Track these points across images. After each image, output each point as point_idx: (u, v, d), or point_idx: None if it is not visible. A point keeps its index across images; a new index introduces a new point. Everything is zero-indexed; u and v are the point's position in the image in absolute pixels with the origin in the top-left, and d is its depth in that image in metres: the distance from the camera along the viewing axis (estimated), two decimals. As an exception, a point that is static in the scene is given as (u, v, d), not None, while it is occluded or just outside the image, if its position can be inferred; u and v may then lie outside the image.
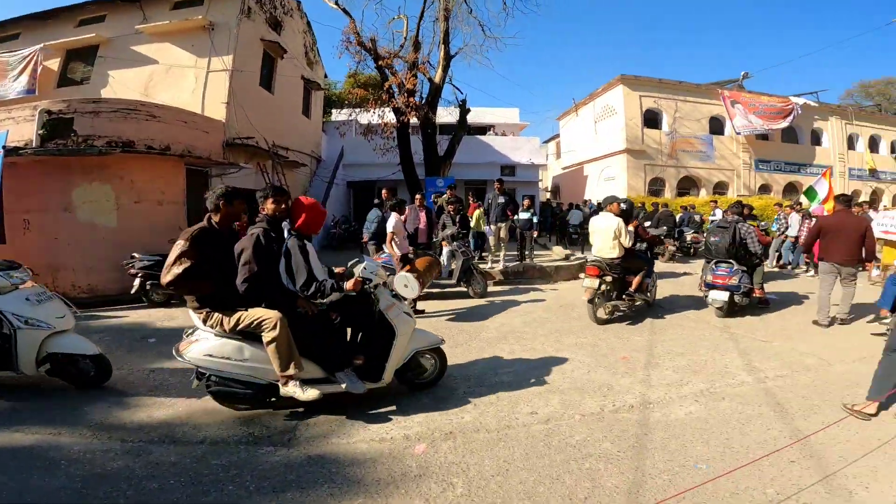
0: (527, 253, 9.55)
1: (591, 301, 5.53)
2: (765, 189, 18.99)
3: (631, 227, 5.66)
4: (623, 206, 5.72)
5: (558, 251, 11.07)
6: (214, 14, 10.69)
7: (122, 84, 10.57)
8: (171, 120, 8.14)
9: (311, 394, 2.95)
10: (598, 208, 7.82)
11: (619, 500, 2.23)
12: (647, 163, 17.61)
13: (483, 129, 22.07)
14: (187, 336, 3.13)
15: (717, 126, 19.02)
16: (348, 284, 3.23)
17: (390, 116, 12.42)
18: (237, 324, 2.92)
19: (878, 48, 63.52)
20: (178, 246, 2.84)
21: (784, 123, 18.30)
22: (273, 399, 3.08)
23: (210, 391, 3.03)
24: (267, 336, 2.87)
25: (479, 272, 7.26)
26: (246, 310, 2.93)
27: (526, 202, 9.59)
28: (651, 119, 18.21)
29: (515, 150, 18.44)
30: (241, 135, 10.29)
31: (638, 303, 5.93)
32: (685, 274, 9.36)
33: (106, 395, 3.60)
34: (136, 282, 6.57)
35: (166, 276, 2.82)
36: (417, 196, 8.02)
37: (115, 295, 6.97)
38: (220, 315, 2.94)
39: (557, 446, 2.73)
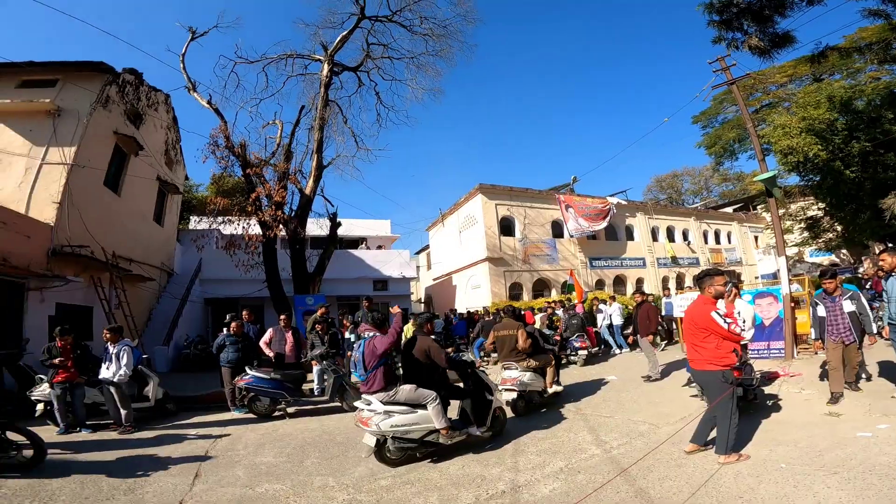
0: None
1: None
2: (600, 284, 22.20)
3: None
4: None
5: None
6: (66, 99, 9.76)
7: None
8: (-19, 220, 6.90)
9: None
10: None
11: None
12: (506, 269, 19.48)
13: (355, 243, 22.58)
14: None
15: (558, 229, 21.63)
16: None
17: (256, 229, 11.74)
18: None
19: (666, 142, 79.42)
20: None
21: (604, 224, 21.51)
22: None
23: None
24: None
25: (351, 387, 6.93)
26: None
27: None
28: (506, 226, 20.15)
29: (387, 264, 19.06)
30: (72, 241, 8.98)
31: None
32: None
33: None
34: None
35: None
36: (282, 316, 7.79)
37: None
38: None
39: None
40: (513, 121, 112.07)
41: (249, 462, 4.54)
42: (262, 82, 16.28)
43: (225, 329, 7.12)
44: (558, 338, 9.68)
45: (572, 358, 10.08)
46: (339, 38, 13.68)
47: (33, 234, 7.78)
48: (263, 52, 14.77)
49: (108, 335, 6.09)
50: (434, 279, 25.06)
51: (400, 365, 4.98)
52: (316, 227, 15.05)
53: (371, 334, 4.51)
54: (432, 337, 4.97)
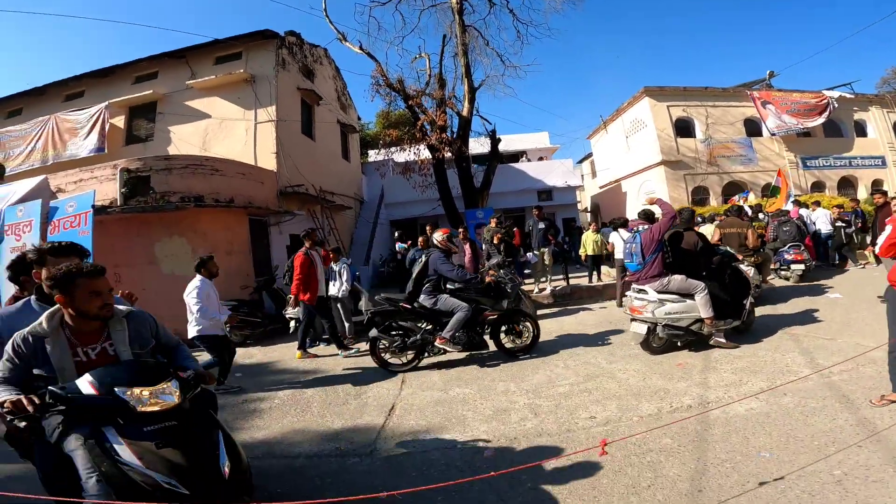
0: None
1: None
2: (818, 186, 18.08)
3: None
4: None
5: (605, 270, 10.97)
6: (253, 67, 11.35)
7: (182, 139, 11.29)
8: (232, 173, 8.99)
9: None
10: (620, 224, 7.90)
11: (682, 486, 2.34)
12: (687, 172, 17.25)
13: (515, 157, 22.44)
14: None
15: (754, 128, 18.44)
16: None
17: (425, 153, 12.89)
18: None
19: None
20: None
21: (821, 120, 17.44)
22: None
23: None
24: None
25: (527, 297, 7.14)
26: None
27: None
28: (683, 128, 17.92)
29: (549, 174, 18.62)
30: (291, 183, 11.04)
31: None
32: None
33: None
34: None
35: None
36: (460, 229, 8.11)
37: (199, 338, 7.59)
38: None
39: (618, 444, 2.84)
40: (676, 17, 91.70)
41: (443, 369, 5.14)
42: (400, 21, 16.48)
43: (402, 243, 7.67)
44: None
45: (783, 273, 8.57)
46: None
47: (265, 180, 9.88)
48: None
49: (331, 255, 6.81)
50: (600, 187, 23.65)
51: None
52: (477, 145, 15.48)
53: (644, 227, 5.02)
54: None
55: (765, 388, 3.56)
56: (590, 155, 26.38)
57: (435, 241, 5.35)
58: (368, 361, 5.35)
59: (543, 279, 9.17)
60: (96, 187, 7.96)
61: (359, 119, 19.61)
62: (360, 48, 12.93)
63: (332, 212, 13.03)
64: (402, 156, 13.57)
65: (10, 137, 12.32)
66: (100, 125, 11.43)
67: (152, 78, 12.06)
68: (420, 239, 7.99)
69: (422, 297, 5.15)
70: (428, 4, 14.41)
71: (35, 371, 1.87)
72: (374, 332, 5.11)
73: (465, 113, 12.79)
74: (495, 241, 8.06)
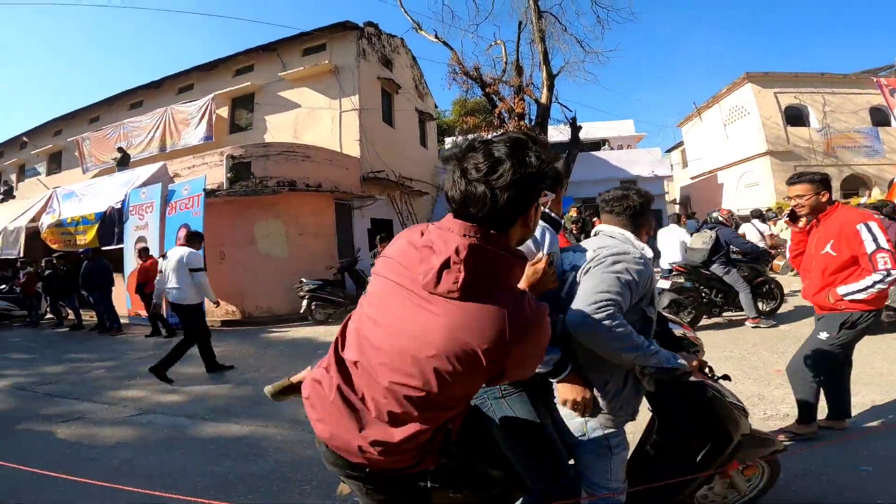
0: None
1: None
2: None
3: None
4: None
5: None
6: (337, 58, 11.82)
7: (276, 128, 12.12)
8: (321, 159, 9.48)
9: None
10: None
11: None
12: (797, 163, 15.43)
13: (597, 145, 21.45)
14: None
15: (881, 117, 16.06)
16: None
17: None
18: None
19: None
20: None
21: None
22: None
23: None
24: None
25: None
26: None
27: None
28: (793, 116, 16.12)
29: (634, 163, 17.61)
30: (373, 169, 11.40)
31: None
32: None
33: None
34: (304, 303, 7.70)
35: None
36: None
37: (286, 314, 8.22)
38: None
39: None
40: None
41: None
42: (473, 8, 16.33)
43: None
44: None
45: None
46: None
47: (349, 166, 10.32)
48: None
49: None
50: (692, 178, 22.01)
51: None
52: (556, 132, 14.98)
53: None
54: None
55: (876, 399, 3.17)
56: (680, 144, 24.62)
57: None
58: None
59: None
60: (206, 172, 8.79)
61: (435, 107, 19.77)
62: (436, 37, 12.98)
63: (411, 197, 13.31)
64: (477, 143, 13.49)
65: (133, 128, 13.91)
66: (207, 116, 12.56)
67: (249, 70, 12.96)
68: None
69: (714, 267, 5.62)
70: (500, -9, 14.23)
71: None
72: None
73: (543, 100, 12.41)
74: (573, 230, 7.89)
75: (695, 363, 1.57)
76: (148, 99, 14.55)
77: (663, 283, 5.55)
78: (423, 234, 1.04)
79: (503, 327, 0.92)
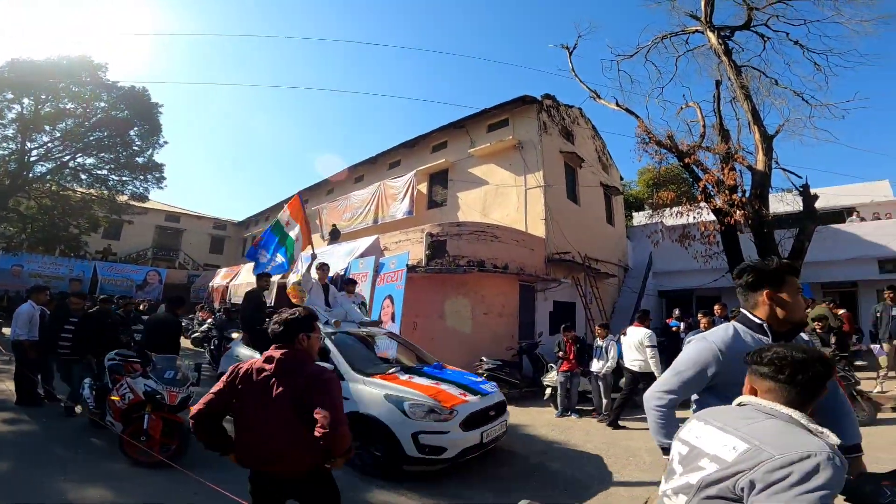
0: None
1: None
2: None
3: None
4: None
5: None
6: (519, 132, 12.04)
7: (467, 205, 12.74)
8: (508, 240, 9.76)
9: None
10: None
11: None
12: None
13: (839, 214, 17.17)
14: None
15: None
16: None
17: (707, 215, 11.02)
18: None
19: None
20: None
21: None
22: None
23: None
24: None
25: (863, 397, 5.75)
26: None
27: None
28: None
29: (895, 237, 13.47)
30: (558, 249, 11.14)
31: None
32: None
33: None
34: (485, 380, 7.79)
35: None
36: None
37: (466, 389, 8.41)
38: None
39: None
40: None
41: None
42: (654, 71, 15.13)
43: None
44: None
45: None
46: (703, 2, 11.21)
47: (534, 246, 10.37)
48: (636, 43, 13.58)
49: (599, 331, 6.99)
50: None
51: None
52: (779, 202, 12.53)
53: None
54: None
55: None
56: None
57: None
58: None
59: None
60: (409, 248, 9.79)
61: (621, 178, 18.77)
62: (617, 104, 12.32)
63: (596, 280, 12.62)
64: (673, 217, 11.87)
65: (356, 200, 16.69)
66: (410, 191, 14.03)
67: (443, 147, 14.13)
68: (704, 320, 6.90)
69: None
70: (682, 50, 12.96)
71: None
72: None
73: (759, 166, 10.65)
74: (818, 330, 6.58)
75: None
76: (368, 174, 17.13)
77: None
78: None
79: None
